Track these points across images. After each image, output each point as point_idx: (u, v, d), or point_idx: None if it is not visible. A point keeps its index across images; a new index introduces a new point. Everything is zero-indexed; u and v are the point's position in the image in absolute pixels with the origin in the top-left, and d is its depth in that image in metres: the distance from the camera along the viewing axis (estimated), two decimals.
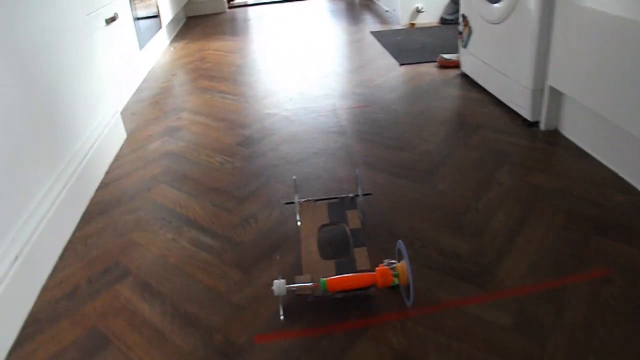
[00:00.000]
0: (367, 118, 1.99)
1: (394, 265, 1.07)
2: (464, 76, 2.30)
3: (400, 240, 1.07)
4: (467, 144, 1.72)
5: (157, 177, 1.68)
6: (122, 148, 1.91)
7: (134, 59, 2.54)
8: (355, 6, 4.34)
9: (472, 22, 2.07)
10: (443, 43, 2.84)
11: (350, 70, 2.63)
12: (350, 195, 1.40)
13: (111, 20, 2.12)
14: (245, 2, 4.79)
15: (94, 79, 1.76)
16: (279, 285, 1.05)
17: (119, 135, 1.94)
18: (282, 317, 1.07)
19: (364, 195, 1.42)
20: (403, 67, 2.57)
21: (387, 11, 3.54)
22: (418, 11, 3.31)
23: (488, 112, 1.93)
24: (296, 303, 1.10)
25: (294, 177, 1.45)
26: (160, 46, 3.31)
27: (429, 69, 2.48)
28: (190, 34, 3.77)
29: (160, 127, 2.08)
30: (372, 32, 3.30)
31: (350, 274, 1.08)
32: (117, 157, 1.84)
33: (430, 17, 3.37)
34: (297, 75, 2.63)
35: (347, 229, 1.28)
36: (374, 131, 1.87)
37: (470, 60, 2.18)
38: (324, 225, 1.31)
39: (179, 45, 3.46)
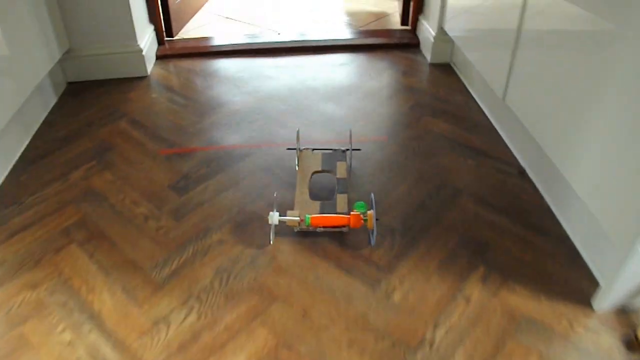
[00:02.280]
0: None
1: (365, 212, 1.29)
2: None
3: (372, 193, 1.36)
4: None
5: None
6: None
7: None
8: None
9: None
10: None
11: None
12: (342, 148, 1.61)
13: None
14: (207, 46, 2.46)
15: None
16: (272, 216, 1.26)
17: None
18: (271, 242, 1.29)
19: (354, 150, 1.66)
20: None
21: None
22: None
23: None
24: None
25: (298, 129, 1.67)
26: None
27: None
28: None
29: None
30: None
31: (330, 215, 1.30)
32: None
33: None
34: None
35: (334, 177, 1.50)
36: None
37: None
38: (316, 172, 1.52)
39: None
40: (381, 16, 3.05)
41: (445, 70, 2.26)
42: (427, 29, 2.34)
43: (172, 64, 2.34)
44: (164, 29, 2.46)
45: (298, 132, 1.64)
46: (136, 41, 2.14)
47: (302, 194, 1.43)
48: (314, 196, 1.45)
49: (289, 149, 1.67)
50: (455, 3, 2.00)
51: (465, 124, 1.84)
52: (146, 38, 2.26)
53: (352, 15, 3.07)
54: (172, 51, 2.38)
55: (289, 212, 1.32)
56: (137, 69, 2.20)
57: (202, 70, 2.28)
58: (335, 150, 1.62)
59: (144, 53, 2.18)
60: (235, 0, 3.34)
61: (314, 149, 1.62)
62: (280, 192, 1.49)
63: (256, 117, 1.90)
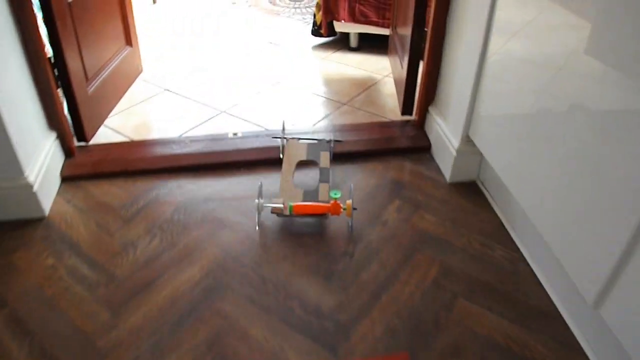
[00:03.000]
0: None
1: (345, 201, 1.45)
2: None
3: (352, 184, 1.48)
4: None
5: None
6: None
7: None
8: None
9: None
10: None
11: None
12: (327, 139, 1.73)
13: None
14: (135, 159, 1.70)
15: None
16: (258, 203, 1.40)
17: None
18: (257, 228, 1.45)
19: (336, 141, 1.76)
20: None
21: None
22: None
23: None
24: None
25: (283, 120, 1.80)
26: None
27: None
28: None
29: None
30: None
31: (312, 203, 1.44)
32: None
33: None
34: None
35: (318, 167, 1.61)
36: None
37: None
38: (301, 162, 1.66)
39: None
40: (368, 84, 2.38)
41: (471, 195, 1.63)
42: (441, 129, 1.71)
43: (83, 192, 1.62)
44: (73, 132, 1.73)
45: (284, 122, 1.77)
46: (22, 172, 1.43)
47: (286, 181, 1.56)
48: (297, 184, 1.57)
49: (274, 137, 1.81)
50: (495, 105, 1.37)
51: (520, 311, 1.23)
52: (41, 160, 1.54)
53: (330, 84, 2.39)
54: (83, 169, 1.66)
55: (273, 199, 1.46)
56: (29, 209, 1.49)
57: (127, 204, 1.58)
58: (320, 140, 1.74)
59: (34, 189, 1.45)
60: (178, 67, 2.60)
61: (299, 139, 1.74)
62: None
63: (206, 313, 1.22)
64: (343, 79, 2.46)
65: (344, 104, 2.19)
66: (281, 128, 1.77)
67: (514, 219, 1.45)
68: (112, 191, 1.61)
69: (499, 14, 1.32)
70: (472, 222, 1.50)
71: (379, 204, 1.56)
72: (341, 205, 1.40)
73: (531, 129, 1.19)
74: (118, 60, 2.05)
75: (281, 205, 1.41)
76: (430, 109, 1.81)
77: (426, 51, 1.69)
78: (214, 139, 1.81)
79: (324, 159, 1.64)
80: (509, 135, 1.31)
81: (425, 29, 1.72)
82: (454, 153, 1.60)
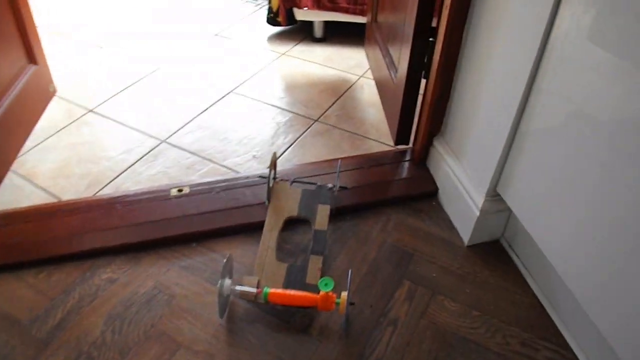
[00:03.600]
0: None
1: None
2: None
3: (350, 270, 1.11)
4: None
5: None
6: None
7: None
8: None
9: None
10: None
11: None
12: (329, 185, 1.35)
13: None
14: (46, 246, 1.20)
15: None
16: (223, 284, 1.04)
17: None
18: (221, 318, 1.08)
19: (342, 188, 1.36)
20: None
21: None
22: None
23: None
24: None
25: (275, 152, 1.37)
26: None
27: None
28: None
29: None
30: None
31: (294, 292, 1.08)
32: None
33: None
34: None
35: (312, 228, 1.24)
36: None
37: None
38: (291, 219, 1.27)
39: None
40: (342, 89, 1.96)
41: (497, 262, 1.28)
42: (454, 173, 1.34)
43: None
44: None
45: (275, 154, 1.33)
46: None
47: (267, 250, 1.20)
48: (280, 256, 1.20)
49: (260, 176, 1.41)
50: (548, 159, 1.00)
51: None
52: None
53: (295, 91, 1.95)
54: None
55: (245, 278, 1.12)
56: None
57: (40, 316, 1.14)
58: (320, 186, 1.34)
59: None
60: (103, 78, 2.09)
61: (292, 181, 1.35)
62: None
63: None
64: (310, 83, 2.01)
65: (316, 121, 1.76)
66: (270, 163, 1.33)
67: (554, 294, 1.10)
68: (19, 294, 1.16)
69: (564, 20, 0.91)
70: (504, 308, 1.16)
71: (383, 290, 1.18)
72: (335, 297, 1.06)
73: (598, 199, 0.82)
74: (19, 84, 1.54)
75: (253, 290, 1.08)
76: (436, 142, 1.41)
77: (434, 66, 1.27)
78: (154, 198, 1.35)
79: (322, 216, 1.27)
80: (564, 200, 0.94)
81: (431, 39, 1.29)
82: (477, 213, 1.21)
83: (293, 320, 1.12)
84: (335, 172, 1.38)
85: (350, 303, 1.06)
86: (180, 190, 1.36)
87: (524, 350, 1.07)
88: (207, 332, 1.08)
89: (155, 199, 1.34)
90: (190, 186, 1.38)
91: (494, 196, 1.20)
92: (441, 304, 1.16)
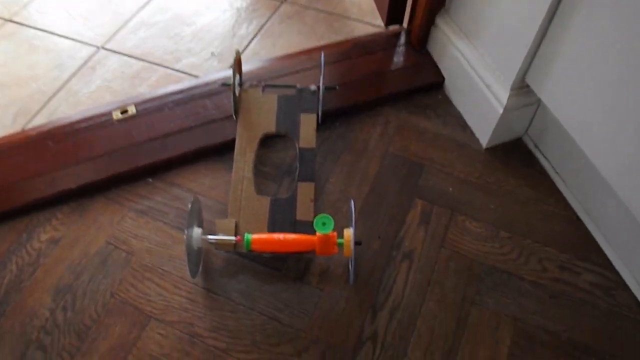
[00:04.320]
0: None
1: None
2: None
3: (352, 201, 0.83)
4: None
5: None
6: None
7: None
8: None
9: None
10: None
11: None
12: (312, 87, 1.05)
13: None
14: None
15: None
16: (192, 236, 0.81)
17: None
18: (194, 276, 0.84)
19: (328, 88, 1.05)
20: None
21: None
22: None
23: None
24: None
25: (237, 49, 1.05)
26: None
27: None
28: None
29: None
30: None
31: (283, 236, 0.84)
32: None
33: None
34: None
35: (296, 146, 0.98)
36: None
37: None
38: (267, 137, 1.00)
39: None
40: None
41: (522, 167, 1.06)
42: (466, 59, 1.06)
43: None
44: None
45: (238, 52, 1.00)
46: None
47: (242, 182, 0.93)
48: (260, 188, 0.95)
49: (223, 84, 1.08)
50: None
51: None
52: None
53: None
54: None
55: (219, 222, 0.88)
56: None
57: None
58: (301, 89, 1.05)
59: None
60: None
61: (265, 85, 1.05)
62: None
63: None
64: None
65: (283, 2, 1.43)
66: (233, 64, 1.00)
67: (593, 203, 0.91)
68: None
69: None
70: (536, 225, 0.96)
71: (392, 215, 0.97)
72: (336, 237, 0.83)
73: None
74: None
75: (232, 239, 0.85)
76: (440, 20, 1.11)
77: None
78: (92, 126, 1.07)
79: (307, 129, 0.99)
80: (613, 86, 0.70)
81: None
82: (499, 109, 0.97)
83: (285, 267, 0.90)
84: (317, 67, 1.09)
85: (357, 243, 0.84)
86: (124, 112, 1.07)
87: (563, 276, 0.89)
88: (180, 295, 0.87)
89: (95, 126, 1.06)
90: (137, 104, 1.09)
91: (521, 88, 0.95)
92: (463, 226, 0.95)
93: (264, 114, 1.03)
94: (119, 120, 1.06)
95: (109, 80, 1.23)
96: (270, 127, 1.02)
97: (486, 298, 0.87)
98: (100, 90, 1.22)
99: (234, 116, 1.04)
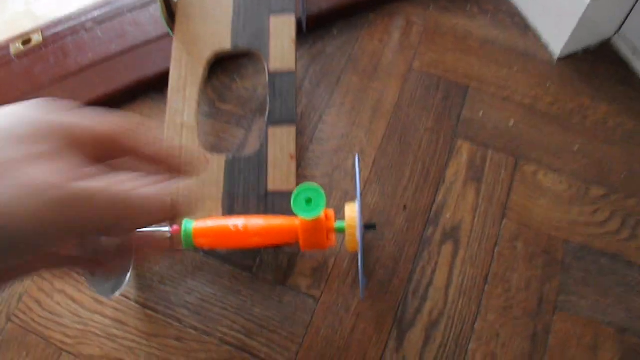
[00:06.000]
0: None
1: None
2: None
3: (357, 155, 0.53)
4: None
5: None
6: None
7: None
8: None
9: None
10: None
11: None
12: None
13: None
14: None
15: None
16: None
17: None
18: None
19: None
20: None
21: None
22: None
23: None
24: None
25: None
26: None
27: None
28: None
29: None
30: None
31: (245, 220, 0.50)
32: None
33: None
34: None
35: (265, 68, 0.61)
36: None
37: None
38: (220, 57, 0.64)
39: None
40: None
41: (616, 84, 0.69)
42: None
43: None
44: None
45: None
46: None
47: (179, 133, 0.59)
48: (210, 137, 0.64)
49: None
50: None
51: None
52: None
53: None
54: None
55: None
56: None
57: None
58: None
59: None
60: None
61: None
62: None
63: None
64: None
65: None
66: None
67: None
68: None
69: None
70: None
71: (423, 170, 0.63)
72: (332, 220, 0.50)
73: None
74: None
75: (164, 230, 0.50)
76: None
77: None
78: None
79: (281, 41, 0.63)
80: None
81: None
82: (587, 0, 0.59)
83: (258, 264, 0.58)
84: None
85: (367, 227, 0.51)
86: (27, 42, 0.72)
87: None
88: (103, 315, 0.57)
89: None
90: (43, 29, 0.74)
91: None
92: (533, 182, 0.61)
93: (214, 23, 0.66)
94: (20, 55, 0.72)
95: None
96: (224, 42, 0.66)
97: (576, 299, 0.54)
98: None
99: (169, 31, 0.68)
